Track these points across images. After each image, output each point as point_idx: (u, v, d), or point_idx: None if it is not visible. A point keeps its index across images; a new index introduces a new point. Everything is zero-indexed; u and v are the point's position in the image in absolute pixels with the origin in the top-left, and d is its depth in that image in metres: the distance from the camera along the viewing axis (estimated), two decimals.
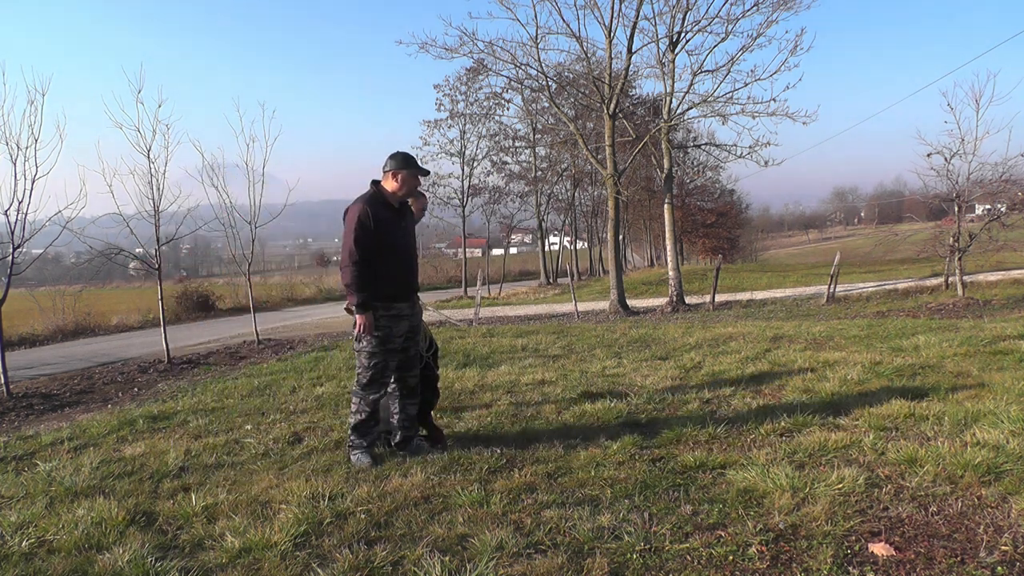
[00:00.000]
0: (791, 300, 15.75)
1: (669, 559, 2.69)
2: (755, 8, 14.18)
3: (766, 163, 15.63)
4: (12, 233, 8.10)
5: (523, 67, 15.95)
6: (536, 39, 14.99)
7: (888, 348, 7.02)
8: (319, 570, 2.74)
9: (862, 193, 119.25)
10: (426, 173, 4.33)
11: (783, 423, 4.39)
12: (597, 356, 7.68)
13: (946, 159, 12.77)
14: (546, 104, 25.15)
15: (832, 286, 15.12)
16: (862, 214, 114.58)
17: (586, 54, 15.81)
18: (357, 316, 4.04)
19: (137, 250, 10.81)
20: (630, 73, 16.60)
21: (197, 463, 4.35)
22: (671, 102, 15.57)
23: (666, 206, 16.51)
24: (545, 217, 34.55)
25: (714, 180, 40.01)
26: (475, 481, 3.66)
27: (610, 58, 15.55)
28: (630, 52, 15.10)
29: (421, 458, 4.11)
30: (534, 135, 31.06)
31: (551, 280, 34.66)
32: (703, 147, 20.21)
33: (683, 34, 14.91)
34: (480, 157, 30.81)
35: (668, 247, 16.88)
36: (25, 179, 8.15)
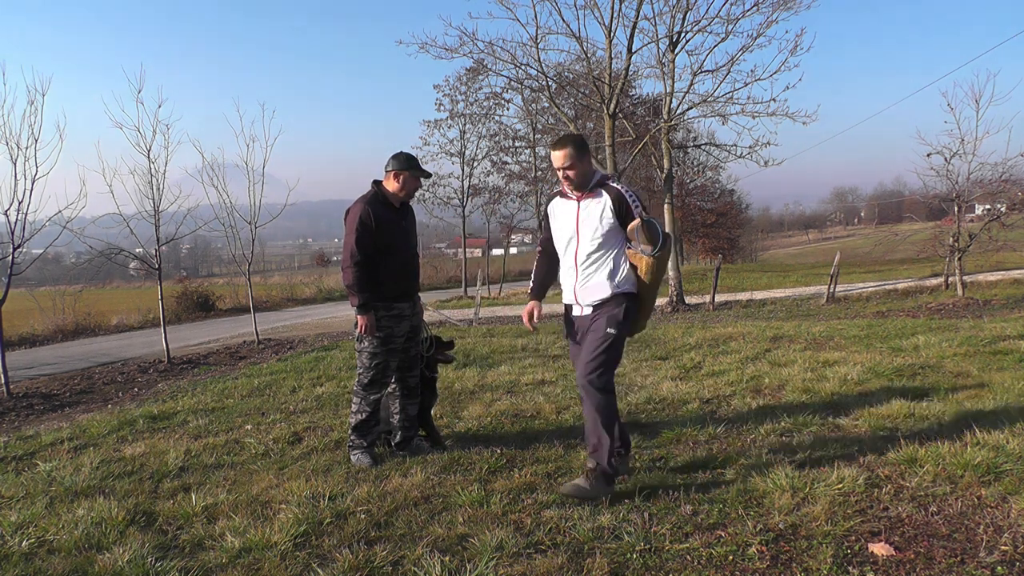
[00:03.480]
0: (791, 300, 15.74)
1: (669, 559, 2.69)
2: (755, 8, 14.16)
3: (766, 163, 15.62)
4: (12, 233, 8.11)
5: (523, 67, 15.95)
6: (536, 39, 14.97)
7: (888, 348, 7.02)
8: (319, 570, 2.74)
9: (862, 193, 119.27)
10: (428, 175, 4.34)
11: (783, 423, 4.40)
12: None
13: (946, 159, 12.78)
14: (546, 104, 25.13)
15: (832, 286, 15.12)
16: (862, 214, 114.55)
17: (586, 54, 15.80)
18: (359, 316, 4.05)
19: (137, 250, 10.82)
20: (630, 73, 16.58)
21: (197, 463, 4.35)
22: (671, 102, 15.56)
23: (666, 206, 16.50)
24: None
25: (714, 180, 39.97)
26: (475, 481, 3.66)
27: (610, 58, 15.54)
28: (630, 52, 15.09)
29: (421, 458, 4.12)
30: (534, 135, 31.03)
31: None
32: (703, 147, 20.21)
33: (683, 34, 14.90)
34: (480, 157, 30.81)
35: None
36: (25, 179, 8.16)
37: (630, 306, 3.48)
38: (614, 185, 3.50)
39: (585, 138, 3.53)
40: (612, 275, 3.47)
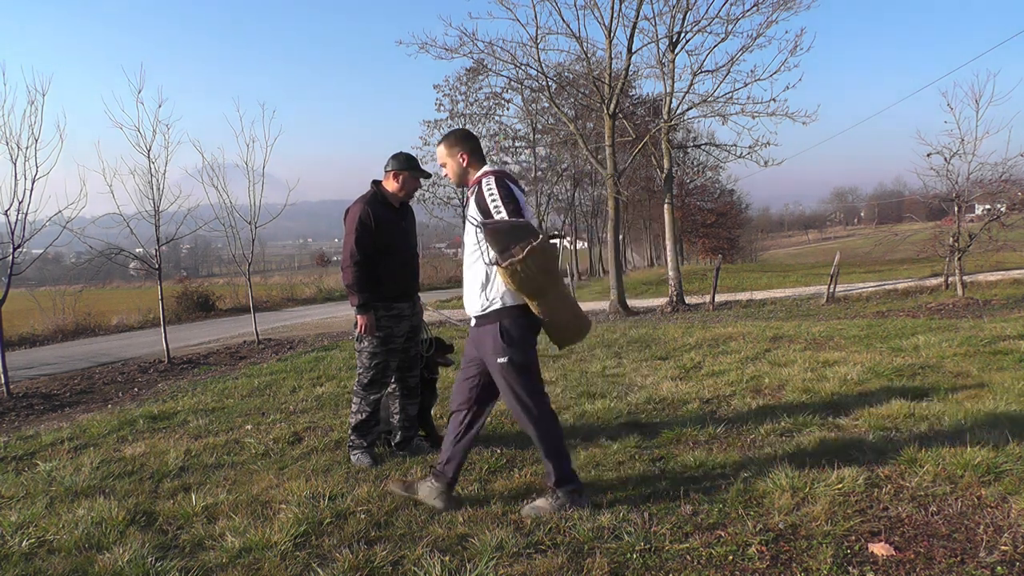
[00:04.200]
0: (791, 300, 15.74)
1: (669, 559, 2.69)
2: (755, 8, 14.17)
3: (766, 163, 15.62)
4: (12, 233, 8.11)
5: (523, 67, 15.96)
6: (536, 39, 14.98)
7: (888, 348, 7.02)
8: (319, 570, 2.74)
9: (862, 193, 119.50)
10: (427, 176, 4.34)
11: (783, 423, 4.39)
12: (597, 356, 7.68)
13: (946, 159, 12.77)
14: (546, 104, 25.15)
15: (832, 286, 15.12)
16: (862, 214, 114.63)
17: (586, 54, 15.81)
18: (358, 316, 4.05)
19: (137, 250, 10.83)
20: (630, 73, 16.59)
21: (197, 463, 4.35)
22: (671, 102, 15.56)
23: (666, 206, 16.51)
24: (545, 217, 34.56)
25: (714, 180, 40.05)
26: (475, 481, 3.66)
27: (610, 58, 15.54)
28: (630, 52, 15.10)
29: (421, 458, 4.12)
30: (534, 135, 31.05)
31: None
32: (703, 147, 20.19)
33: (683, 34, 14.90)
34: None
35: (668, 247, 16.88)
36: (25, 179, 8.17)
37: (507, 325, 3.12)
38: (483, 181, 3.16)
39: (469, 132, 3.40)
40: (484, 286, 3.17)
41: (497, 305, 3.14)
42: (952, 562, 2.54)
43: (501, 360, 3.15)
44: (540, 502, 3.24)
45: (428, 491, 3.31)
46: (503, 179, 3.15)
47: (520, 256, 2.87)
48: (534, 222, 3.19)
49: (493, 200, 3.05)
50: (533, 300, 3.04)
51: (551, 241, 3.00)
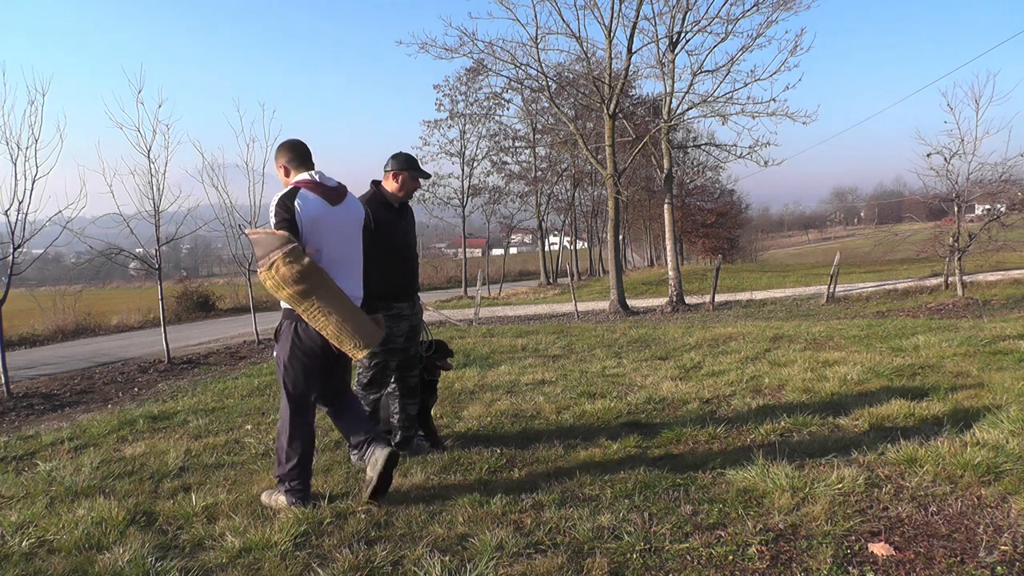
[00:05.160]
0: (791, 300, 15.75)
1: (669, 559, 2.69)
2: (755, 8, 14.21)
3: (766, 163, 15.65)
4: (12, 233, 8.11)
5: (523, 67, 16.00)
6: (536, 39, 15.02)
7: (888, 348, 7.02)
8: (319, 570, 2.74)
9: (862, 193, 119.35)
10: (427, 176, 4.33)
11: (783, 423, 4.40)
12: (597, 356, 7.69)
13: (946, 159, 12.81)
14: (546, 104, 25.16)
15: (832, 286, 15.13)
16: (862, 214, 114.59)
17: (586, 54, 15.83)
18: None
19: (137, 250, 10.83)
20: (630, 73, 16.64)
21: (197, 463, 4.35)
22: (671, 102, 15.58)
23: (666, 206, 16.52)
24: (545, 217, 34.62)
25: (714, 180, 40.04)
26: (475, 481, 3.66)
27: (610, 58, 15.56)
28: (630, 52, 15.12)
29: (421, 458, 4.12)
30: (534, 135, 31.08)
31: (551, 280, 34.70)
32: (703, 147, 20.24)
33: (683, 34, 14.93)
34: (480, 157, 30.87)
35: (668, 247, 16.90)
36: (25, 179, 8.17)
37: (281, 325, 3.41)
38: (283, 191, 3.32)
39: (292, 143, 3.49)
40: None
41: (286, 306, 3.38)
42: (952, 562, 2.54)
43: (275, 352, 3.48)
44: (266, 493, 3.55)
45: (375, 458, 3.36)
46: (295, 191, 3.28)
47: (266, 266, 3.10)
48: (326, 234, 3.30)
49: (272, 210, 3.28)
50: (294, 308, 3.23)
51: (305, 257, 3.12)
